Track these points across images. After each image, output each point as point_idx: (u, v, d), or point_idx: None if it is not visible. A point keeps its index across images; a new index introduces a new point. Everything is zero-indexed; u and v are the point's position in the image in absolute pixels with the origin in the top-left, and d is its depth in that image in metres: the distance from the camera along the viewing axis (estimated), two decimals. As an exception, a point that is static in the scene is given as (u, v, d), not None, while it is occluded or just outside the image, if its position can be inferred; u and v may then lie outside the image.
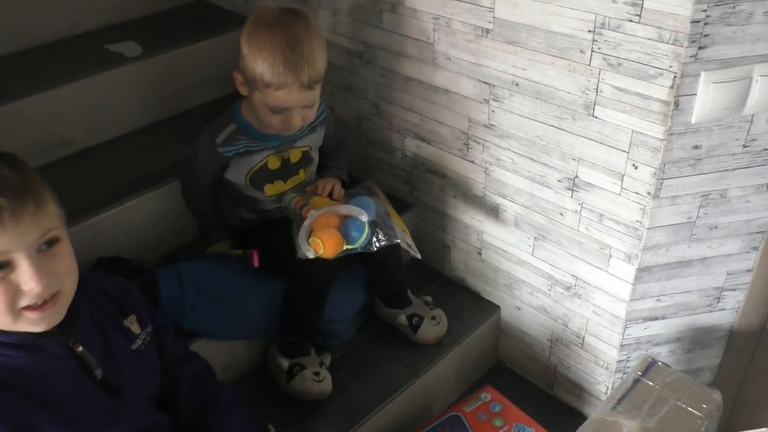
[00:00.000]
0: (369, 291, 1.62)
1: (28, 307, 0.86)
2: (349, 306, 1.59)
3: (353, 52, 1.72)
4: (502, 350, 1.78)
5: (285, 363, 1.44)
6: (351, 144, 1.70)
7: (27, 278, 0.83)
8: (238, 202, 1.52)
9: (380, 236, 1.34)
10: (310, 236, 1.30)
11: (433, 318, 1.58)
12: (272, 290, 1.48)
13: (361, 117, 1.80)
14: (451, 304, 1.71)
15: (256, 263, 1.47)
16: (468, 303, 1.74)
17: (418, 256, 1.40)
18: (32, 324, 0.87)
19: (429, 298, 1.65)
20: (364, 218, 1.33)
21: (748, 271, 1.41)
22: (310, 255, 1.29)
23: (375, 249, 1.34)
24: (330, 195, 1.45)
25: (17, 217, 0.81)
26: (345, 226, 1.33)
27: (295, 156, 1.49)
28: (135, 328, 1.06)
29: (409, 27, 1.54)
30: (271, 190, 1.48)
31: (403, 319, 1.58)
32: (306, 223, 1.33)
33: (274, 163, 1.46)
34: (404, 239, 1.39)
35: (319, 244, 1.29)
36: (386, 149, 1.79)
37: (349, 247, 1.31)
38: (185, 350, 1.22)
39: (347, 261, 1.42)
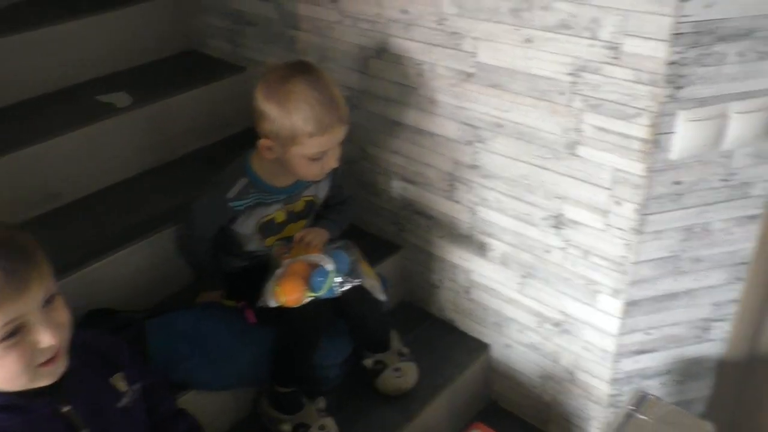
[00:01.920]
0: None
1: (44, 363, 0.89)
2: (339, 351, 1.59)
3: (339, 98, 1.75)
4: (494, 389, 1.78)
5: (287, 426, 1.43)
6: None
7: (42, 336, 0.87)
8: (233, 251, 1.52)
9: (344, 282, 1.36)
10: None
11: (397, 370, 1.57)
12: (262, 338, 1.47)
13: (349, 160, 1.83)
14: (440, 344, 1.71)
15: (252, 319, 1.47)
16: (457, 343, 1.74)
17: (382, 297, 1.42)
18: (48, 378, 0.91)
19: (406, 350, 1.63)
20: (329, 267, 1.35)
21: (734, 301, 1.43)
22: (272, 303, 1.32)
23: (338, 294, 1.36)
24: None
25: (27, 283, 0.85)
26: (312, 274, 1.36)
27: (299, 206, 1.49)
28: (121, 385, 1.05)
29: (395, 73, 1.58)
30: (272, 240, 1.49)
31: (368, 363, 1.58)
32: (277, 271, 1.36)
33: (280, 216, 1.47)
34: (368, 282, 1.40)
35: (280, 292, 1.31)
36: (373, 191, 1.81)
37: (313, 294, 1.33)
38: (174, 408, 1.21)
39: (337, 307, 1.44)
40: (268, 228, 1.46)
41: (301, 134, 1.29)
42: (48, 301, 0.89)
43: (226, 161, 1.46)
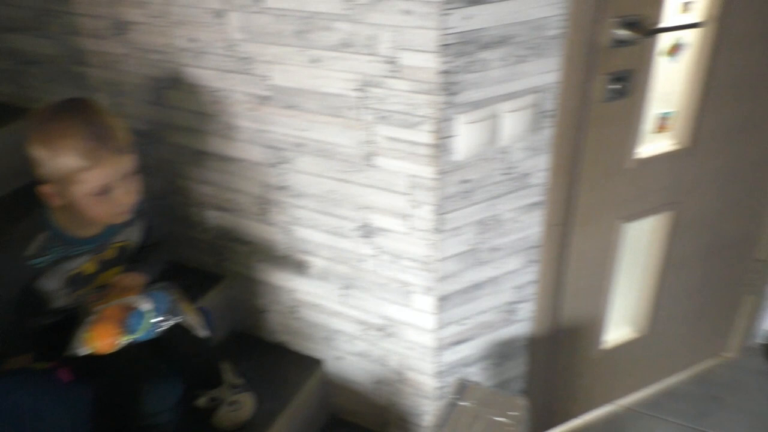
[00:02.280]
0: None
1: None
2: (169, 395, 1.51)
3: (140, 132, 1.70)
4: (332, 402, 1.80)
5: None
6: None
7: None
8: (39, 309, 1.41)
9: (163, 321, 1.32)
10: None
11: (233, 403, 1.55)
12: (82, 397, 1.38)
13: (158, 196, 1.77)
14: (274, 368, 1.71)
15: (67, 377, 1.37)
16: (291, 363, 1.75)
17: (203, 333, 1.40)
18: None
19: (240, 380, 1.61)
20: (146, 307, 1.31)
21: (533, 282, 1.57)
22: (82, 351, 1.25)
23: (157, 335, 1.32)
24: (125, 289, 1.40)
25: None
26: (127, 317, 1.31)
27: (110, 254, 1.42)
28: None
29: (192, 102, 1.57)
30: (81, 293, 1.40)
31: (202, 401, 1.55)
32: (88, 318, 1.29)
33: (91, 268, 1.38)
34: (188, 318, 1.38)
35: (90, 338, 1.25)
36: (188, 224, 1.77)
37: (129, 337, 1.28)
38: None
39: (160, 349, 1.39)
40: (77, 281, 1.38)
41: (74, 170, 1.22)
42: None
43: (21, 214, 1.35)
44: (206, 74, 1.51)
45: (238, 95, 1.49)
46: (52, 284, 1.35)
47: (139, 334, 1.29)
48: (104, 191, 1.26)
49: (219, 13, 1.41)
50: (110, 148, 1.24)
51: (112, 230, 1.39)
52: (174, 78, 1.56)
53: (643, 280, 1.83)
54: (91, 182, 1.24)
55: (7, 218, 1.39)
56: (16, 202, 1.74)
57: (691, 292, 1.88)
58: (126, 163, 1.27)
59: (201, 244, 1.78)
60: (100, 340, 1.27)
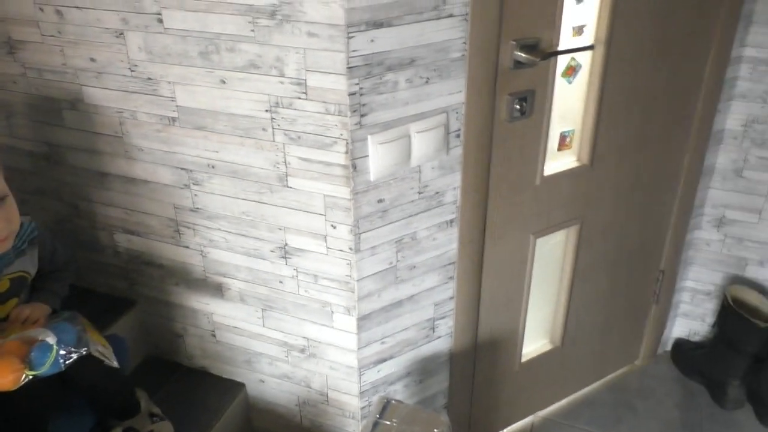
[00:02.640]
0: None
1: None
2: (80, 428, 1.46)
3: (37, 155, 1.61)
4: (256, 426, 1.77)
5: None
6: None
7: None
8: None
9: (70, 353, 1.26)
10: None
11: None
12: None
13: (60, 220, 1.69)
14: (194, 394, 1.66)
15: None
16: (212, 388, 1.70)
17: (114, 364, 1.34)
18: None
19: (157, 409, 1.55)
20: (51, 340, 1.25)
21: (451, 298, 1.58)
22: None
23: (64, 368, 1.25)
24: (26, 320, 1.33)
25: None
26: (31, 351, 1.24)
27: (4, 286, 1.33)
28: None
29: (94, 123, 1.50)
30: None
31: None
32: None
33: None
34: (96, 348, 1.32)
35: None
36: (95, 248, 1.69)
37: (34, 372, 1.21)
38: None
39: (68, 381, 1.32)
40: None
41: None
42: None
43: None
44: (108, 94, 1.44)
45: (143, 116, 1.43)
46: None
47: (44, 369, 1.22)
48: None
49: (118, 33, 1.35)
50: None
51: (1, 262, 1.32)
52: (74, 99, 1.48)
53: (555, 292, 1.87)
54: None
55: None
56: None
57: (599, 303, 1.95)
58: None
59: (111, 269, 1.71)
60: (2, 377, 1.19)
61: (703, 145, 1.84)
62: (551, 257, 1.80)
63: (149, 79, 1.38)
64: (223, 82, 1.31)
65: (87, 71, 1.43)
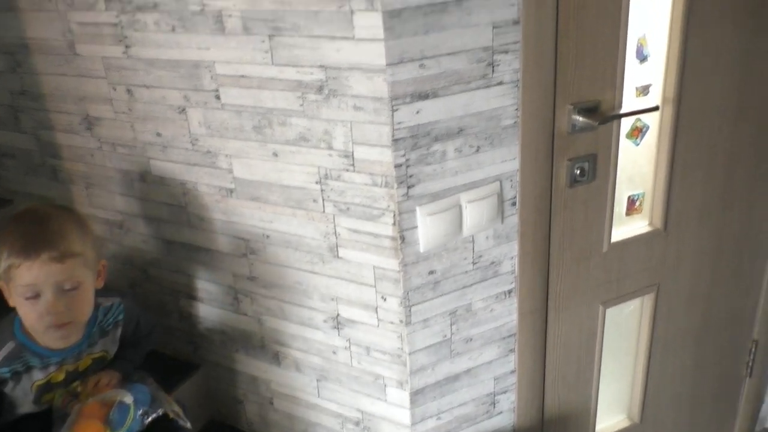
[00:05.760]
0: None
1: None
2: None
3: (112, 222, 1.69)
4: (314, 498, 1.73)
5: None
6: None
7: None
8: (3, 415, 1.37)
9: (148, 413, 1.29)
10: None
11: None
12: None
13: (132, 284, 1.75)
14: (252, 462, 1.65)
15: None
16: (270, 457, 1.69)
17: (188, 425, 1.35)
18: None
19: None
20: (128, 400, 1.27)
21: (512, 372, 1.50)
22: None
23: (143, 427, 1.28)
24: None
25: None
26: (111, 412, 1.26)
27: (85, 364, 1.38)
28: None
29: (160, 193, 1.56)
30: (48, 397, 1.36)
31: None
32: (68, 419, 1.25)
33: (57, 377, 1.35)
34: (171, 408, 1.33)
35: None
36: (163, 312, 1.74)
37: None
38: None
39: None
40: (46, 389, 1.34)
41: (8, 267, 1.21)
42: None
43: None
44: (173, 167, 1.50)
45: (203, 187, 1.47)
46: (18, 392, 1.32)
47: (125, 429, 1.25)
48: (34, 295, 1.23)
49: (181, 109, 1.41)
50: (41, 250, 1.21)
51: (86, 342, 1.37)
52: (143, 171, 1.55)
53: (632, 365, 1.75)
54: (19, 280, 1.22)
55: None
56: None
57: (683, 376, 1.80)
58: (59, 272, 1.23)
59: (177, 332, 1.75)
60: None
61: (795, 204, 1.70)
62: (627, 327, 1.69)
63: (209, 152, 1.42)
64: (276, 155, 1.33)
65: (154, 145, 1.50)
